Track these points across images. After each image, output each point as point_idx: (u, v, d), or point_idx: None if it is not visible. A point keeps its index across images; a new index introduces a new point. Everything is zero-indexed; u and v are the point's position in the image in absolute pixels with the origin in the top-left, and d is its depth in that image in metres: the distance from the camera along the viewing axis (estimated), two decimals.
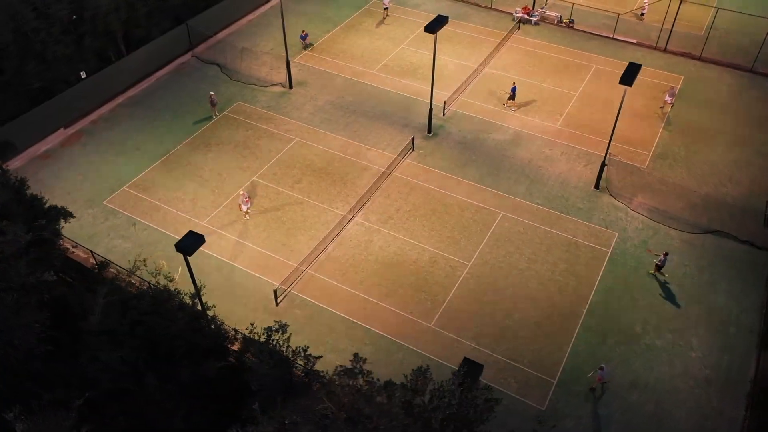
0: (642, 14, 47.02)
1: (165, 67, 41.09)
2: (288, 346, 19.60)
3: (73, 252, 28.79)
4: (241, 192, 31.33)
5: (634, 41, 44.53)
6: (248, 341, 19.49)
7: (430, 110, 35.83)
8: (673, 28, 42.98)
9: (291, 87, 39.84)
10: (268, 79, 40.41)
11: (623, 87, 28.68)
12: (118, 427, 16.88)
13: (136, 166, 34.12)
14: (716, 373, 25.09)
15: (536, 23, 46.47)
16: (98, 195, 32.46)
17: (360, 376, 16.20)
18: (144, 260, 23.99)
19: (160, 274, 23.97)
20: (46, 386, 17.11)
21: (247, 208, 31.04)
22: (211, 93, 37.36)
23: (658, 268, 28.33)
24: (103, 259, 26.45)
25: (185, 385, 18.35)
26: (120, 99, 38.61)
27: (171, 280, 21.65)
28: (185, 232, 30.23)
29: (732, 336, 26.31)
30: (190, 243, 20.45)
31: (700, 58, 42.50)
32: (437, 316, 27.02)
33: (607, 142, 31.67)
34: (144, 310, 18.90)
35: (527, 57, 42.90)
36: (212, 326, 21.23)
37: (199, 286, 21.83)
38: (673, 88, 37.99)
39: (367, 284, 28.22)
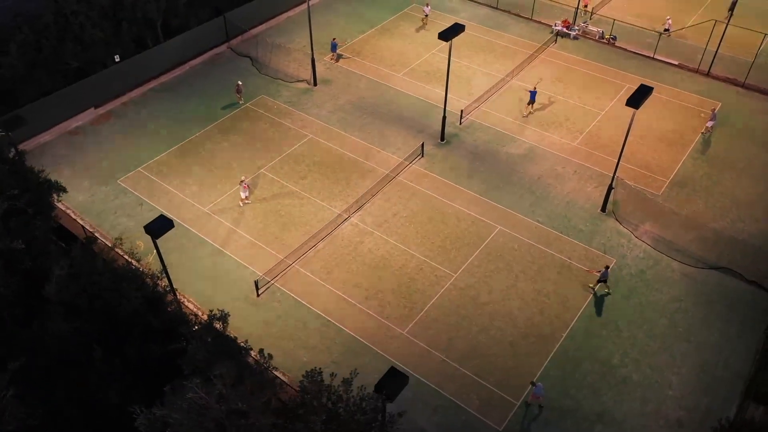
0: (666, 30, 45.14)
1: (200, 56, 42.59)
2: (235, 337, 20.08)
3: (81, 225, 30.37)
4: (243, 178, 32.12)
5: (676, 63, 42.76)
6: (201, 327, 20.09)
7: (443, 118, 35.64)
8: (718, 51, 41.01)
9: (315, 84, 40.49)
10: (294, 75, 41.23)
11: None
12: (57, 395, 17.78)
13: (154, 149, 35.58)
14: (691, 415, 23.92)
15: (575, 37, 45.34)
16: (114, 173, 34.06)
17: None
18: (120, 239, 25.06)
19: (135, 253, 24.97)
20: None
21: (245, 196, 31.81)
22: (239, 82, 38.53)
23: (600, 281, 27.50)
24: (92, 234, 27.76)
25: (131, 362, 19.12)
26: (152, 84, 40.32)
27: (139, 260, 22.50)
28: (187, 215, 31.68)
29: (716, 379, 25.00)
30: (159, 226, 21.28)
31: (743, 85, 40.40)
32: (412, 323, 26.94)
33: (622, 164, 30.66)
34: (104, 286, 19.80)
35: (558, 71, 41.95)
36: (174, 309, 21.96)
37: (168, 269, 22.64)
38: (714, 111, 36.30)
39: (349, 285, 28.44)
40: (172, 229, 21.68)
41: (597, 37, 45.43)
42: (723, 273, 28.95)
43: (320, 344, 26.14)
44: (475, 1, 49.85)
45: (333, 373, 18.90)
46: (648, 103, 38.12)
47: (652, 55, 43.28)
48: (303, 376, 17.98)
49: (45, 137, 35.97)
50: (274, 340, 26.18)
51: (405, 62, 42.82)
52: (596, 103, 39.05)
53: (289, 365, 25.33)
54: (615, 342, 26.29)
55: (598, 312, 27.37)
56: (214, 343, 18.57)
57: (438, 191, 33.06)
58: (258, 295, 27.96)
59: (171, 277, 23.95)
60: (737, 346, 26.06)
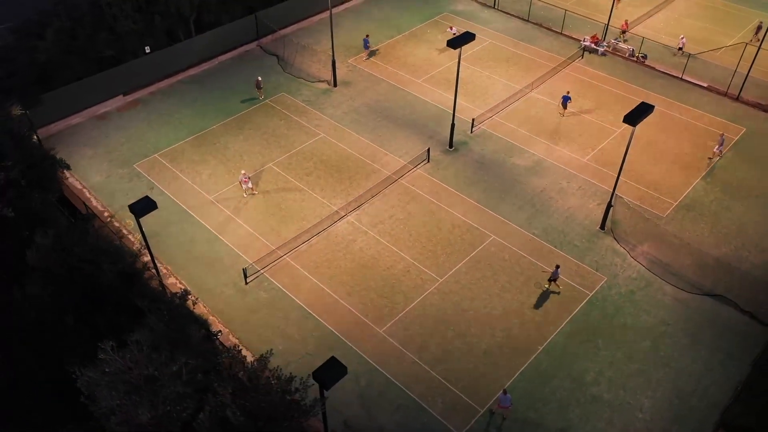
0: (680, 48, 43.98)
1: (229, 52, 44.17)
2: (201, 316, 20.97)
3: (83, 202, 32.12)
4: (243, 171, 33.13)
5: (705, 85, 41.65)
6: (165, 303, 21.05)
7: (452, 125, 35.89)
8: (749, 75, 39.75)
9: (335, 85, 41.40)
10: (316, 75, 42.25)
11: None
12: (28, 357, 19.01)
13: (172, 137, 37.16)
14: None
15: (603, 54, 44.74)
16: (132, 158, 35.77)
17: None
18: (113, 216, 26.39)
19: (121, 231, 26.24)
20: None
21: (246, 188, 32.81)
22: (258, 77, 39.86)
23: (550, 279, 27.91)
24: (91, 211, 29.29)
25: (100, 332, 20.23)
26: (180, 76, 42.10)
27: (121, 238, 23.69)
28: (192, 201, 33.00)
29: (691, 407, 24.33)
30: (142, 206, 22.41)
31: None
32: (390, 323, 27.29)
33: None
34: (84, 258, 21.04)
35: (580, 86, 41.51)
36: (157, 286, 23.06)
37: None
38: (722, 136, 35.26)
39: (335, 281, 29.03)
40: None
41: (627, 55, 44.71)
42: (717, 301, 28.12)
43: (297, 335, 26.81)
44: (508, 14, 49.83)
45: (278, 366, 19.56)
46: (667, 124, 37.66)
47: (680, 76, 42.29)
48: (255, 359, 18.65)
49: (75, 119, 38.10)
50: (253, 327, 27.04)
51: (427, 69, 43.23)
52: (614, 120, 38.46)
53: (263, 351, 25.99)
54: (592, 360, 25.94)
55: (579, 329, 27.06)
56: (172, 318, 19.42)
57: (437, 197, 33.31)
58: (246, 283, 28.88)
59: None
60: (719, 377, 25.29)
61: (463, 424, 23.81)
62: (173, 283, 28.75)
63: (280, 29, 45.21)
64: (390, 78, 42.42)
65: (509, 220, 32.05)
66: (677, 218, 32.17)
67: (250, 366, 15.91)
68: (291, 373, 18.87)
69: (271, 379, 16.47)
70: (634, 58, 44.34)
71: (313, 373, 17.56)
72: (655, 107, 38.47)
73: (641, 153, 36.04)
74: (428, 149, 35.60)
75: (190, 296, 21.45)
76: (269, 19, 44.72)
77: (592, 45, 44.93)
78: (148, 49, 39.86)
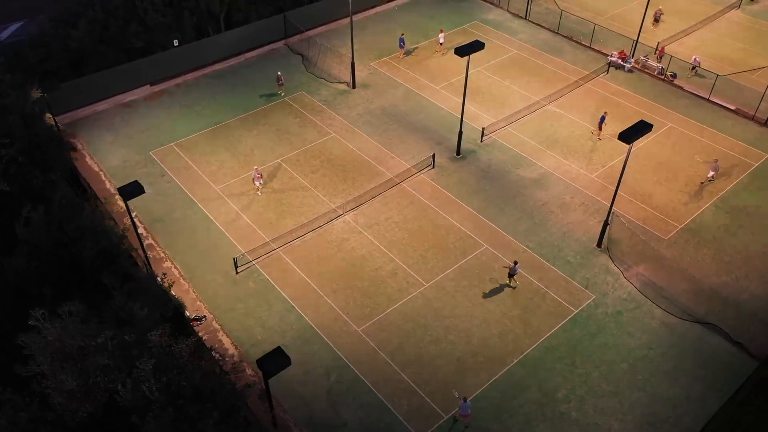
0: (694, 68, 42.78)
1: (256, 49, 45.43)
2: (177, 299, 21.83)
3: (87, 182, 33.78)
4: (255, 167, 34.09)
5: (733, 107, 40.33)
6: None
7: (460, 133, 35.99)
8: None
9: (354, 87, 42.06)
10: (337, 76, 43.01)
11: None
12: (5, 325, 20.22)
13: (190, 128, 38.54)
14: None
15: (629, 70, 43.88)
16: (149, 145, 37.30)
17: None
18: (106, 198, 27.64)
19: (111, 213, 27.45)
20: None
21: (259, 184, 33.74)
22: (279, 73, 40.94)
23: (510, 275, 28.50)
24: (93, 193, 30.73)
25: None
26: (207, 70, 43.58)
27: (106, 218, 24.85)
28: (198, 190, 34.22)
29: None
30: (130, 190, 23.54)
31: None
32: (369, 323, 27.63)
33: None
34: (71, 235, 22.26)
35: (600, 102, 40.87)
36: (144, 269, 24.13)
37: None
38: (716, 162, 34.06)
39: (323, 277, 29.57)
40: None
41: (656, 72, 43.72)
42: (707, 329, 27.31)
43: (278, 326, 27.47)
44: (539, 25, 49.46)
45: (221, 356, 20.23)
46: (685, 145, 36.90)
47: (707, 97, 41.08)
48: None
49: (102, 106, 39.98)
50: (237, 315, 27.86)
51: (447, 76, 43.38)
52: None
53: (243, 340, 26.90)
54: (566, 377, 25.62)
55: (558, 344, 26.75)
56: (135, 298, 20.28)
57: (436, 202, 33.46)
58: (237, 273, 29.75)
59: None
60: (695, 406, 24.58)
61: (424, 428, 23.93)
62: (168, 266, 29.92)
63: (307, 30, 46.16)
64: (409, 83, 42.78)
65: (505, 231, 31.92)
66: (680, 242, 31.34)
67: (178, 346, 16.54)
68: (236, 360, 19.45)
69: (205, 362, 17.06)
70: (663, 77, 43.30)
71: (257, 360, 18.14)
72: (663, 125, 37.85)
73: (653, 173, 35.27)
74: (433, 155, 35.78)
75: (166, 279, 22.30)
76: (299, 20, 45.76)
77: (619, 61, 44.12)
78: (176, 43, 41.45)
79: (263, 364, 17.81)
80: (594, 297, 28.73)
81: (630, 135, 26.48)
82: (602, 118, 37.42)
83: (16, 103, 26.20)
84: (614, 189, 33.60)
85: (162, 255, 30.48)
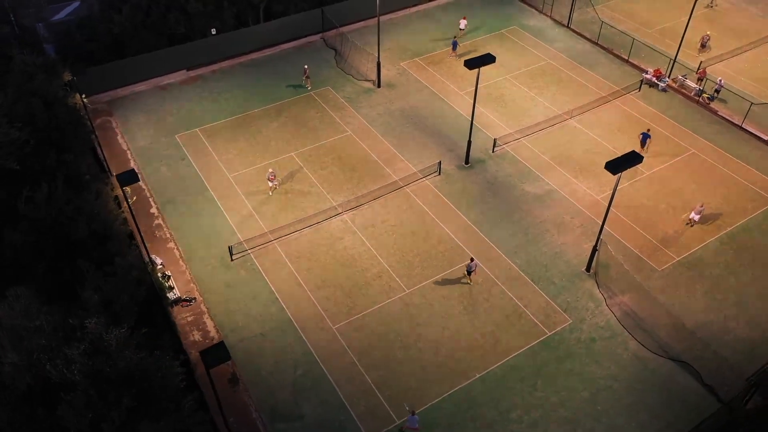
0: (717, 91, 41.28)
1: (293, 41, 46.86)
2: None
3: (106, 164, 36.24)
4: (270, 170, 35.26)
5: (766, 137, 38.65)
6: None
7: (468, 142, 36.30)
8: None
9: (379, 86, 42.87)
10: (365, 74, 43.91)
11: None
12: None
13: (216, 115, 40.49)
14: None
15: (663, 89, 42.62)
16: (177, 129, 39.51)
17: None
18: (111, 182, 29.78)
19: (115, 197, 29.57)
20: None
21: (273, 185, 34.96)
22: (305, 66, 42.23)
23: (467, 272, 29.75)
24: (109, 171, 33.02)
25: (65, 281, 23.56)
26: (242, 59, 45.40)
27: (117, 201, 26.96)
28: (212, 176, 36.18)
29: None
30: (126, 177, 25.46)
31: None
32: (344, 322, 28.79)
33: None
34: (67, 215, 24.42)
35: (624, 120, 40.06)
36: (135, 251, 26.16)
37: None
38: (702, 206, 32.76)
39: (310, 273, 30.89)
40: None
41: (693, 94, 42.29)
42: (680, 367, 26.96)
43: (259, 315, 29.06)
44: (579, 34, 48.55)
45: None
46: (703, 174, 36.12)
47: (740, 124, 39.50)
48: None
49: (140, 87, 42.52)
50: (223, 300, 29.63)
51: (471, 81, 43.24)
52: (646, 162, 36.89)
53: (224, 324, 28.66)
54: (523, 398, 26.03)
55: (523, 365, 27.10)
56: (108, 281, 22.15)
57: (434, 210, 34.07)
58: (232, 260, 31.50)
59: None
60: None
61: (375, 430, 24.99)
62: (171, 247, 32.03)
63: (343, 26, 47.11)
64: (434, 86, 43.17)
65: (497, 245, 32.24)
66: (673, 274, 30.78)
67: (108, 335, 18.16)
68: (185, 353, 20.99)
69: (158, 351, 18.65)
70: (699, 98, 41.83)
71: (200, 351, 19.64)
72: (686, 151, 36.70)
73: (663, 200, 34.55)
74: (439, 162, 36.28)
75: (158, 266, 24.13)
76: (337, 15, 46.77)
77: (654, 79, 42.90)
78: (214, 31, 43.36)
79: (205, 356, 19.29)
80: (570, 321, 28.81)
81: (617, 165, 26.24)
82: (645, 135, 36.69)
83: (42, 86, 28.60)
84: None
85: (168, 236, 32.61)
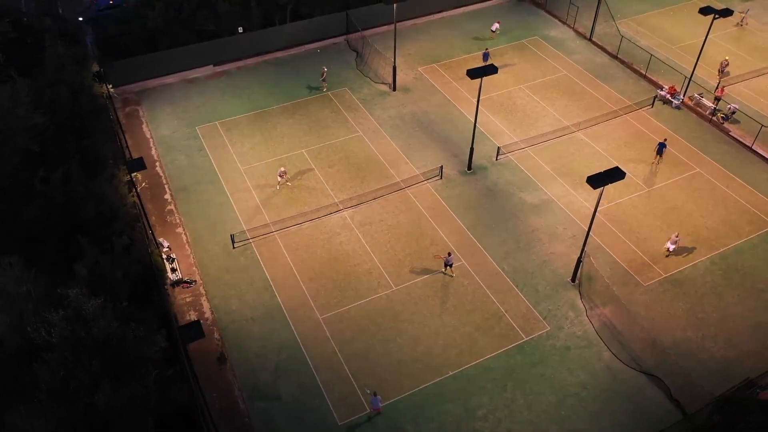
0: (732, 113, 41.17)
1: (317, 42, 48.65)
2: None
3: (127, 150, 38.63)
4: (282, 168, 36.91)
5: None
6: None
7: (471, 149, 37.33)
8: None
9: (394, 89, 44.26)
10: (382, 77, 45.35)
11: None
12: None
13: (236, 110, 42.60)
14: None
15: (677, 107, 42.69)
16: (198, 120, 41.78)
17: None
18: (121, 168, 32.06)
19: (125, 182, 31.69)
20: None
21: (281, 181, 36.74)
22: (324, 68, 43.93)
23: (446, 265, 31.08)
24: (129, 158, 35.34)
25: (71, 256, 25.79)
26: (267, 57, 47.44)
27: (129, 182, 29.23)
28: (225, 167, 38.28)
29: None
30: (134, 165, 27.69)
31: None
32: (331, 313, 30.36)
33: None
34: (78, 194, 26.70)
35: (632, 136, 40.40)
36: (140, 230, 28.31)
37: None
38: (677, 236, 32.69)
39: (304, 265, 32.56)
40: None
41: (708, 112, 42.24)
42: (650, 381, 27.54)
43: (252, 301, 30.91)
44: (599, 46, 48.84)
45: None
46: (705, 194, 36.40)
47: (750, 145, 39.36)
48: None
49: (169, 80, 45.02)
50: (221, 285, 31.58)
51: (487, 90, 44.21)
52: (648, 178, 37.30)
53: (220, 307, 30.59)
54: (491, 397, 27.09)
55: (496, 366, 28.13)
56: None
57: (431, 212, 35.29)
58: (233, 247, 33.45)
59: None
60: None
61: (346, 416, 26.46)
62: (180, 232, 34.20)
63: (365, 29, 48.58)
64: (448, 92, 44.29)
65: (486, 250, 33.26)
66: (657, 290, 31.25)
67: (86, 305, 20.07)
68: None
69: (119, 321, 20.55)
70: (714, 117, 41.75)
71: (178, 327, 21.52)
72: (690, 170, 36.73)
73: (659, 217, 34.91)
74: (441, 166, 37.45)
75: (159, 249, 26.19)
76: (361, 18, 48.32)
77: (668, 96, 43.00)
78: (240, 30, 45.52)
79: (182, 331, 21.15)
80: (548, 329, 29.67)
81: (598, 180, 27.00)
82: (662, 145, 37.28)
83: (70, 76, 31.08)
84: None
85: (177, 221, 34.80)
